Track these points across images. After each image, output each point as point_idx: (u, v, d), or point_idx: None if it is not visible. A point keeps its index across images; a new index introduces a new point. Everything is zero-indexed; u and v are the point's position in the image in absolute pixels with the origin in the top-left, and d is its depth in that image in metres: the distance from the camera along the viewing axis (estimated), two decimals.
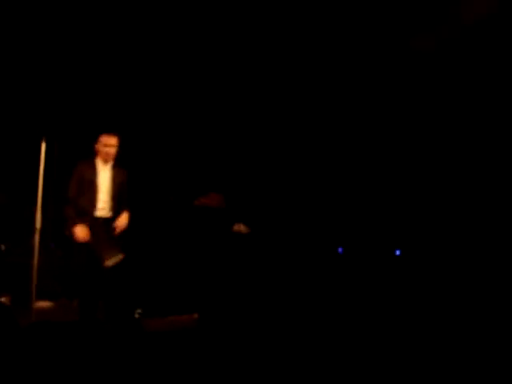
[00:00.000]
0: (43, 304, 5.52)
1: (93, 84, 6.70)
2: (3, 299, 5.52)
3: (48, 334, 4.34)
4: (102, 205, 5.11)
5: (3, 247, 6.05)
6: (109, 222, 5.08)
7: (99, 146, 5.15)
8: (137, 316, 4.95)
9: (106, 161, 5.17)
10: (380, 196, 6.96)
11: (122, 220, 5.16)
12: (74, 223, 4.91)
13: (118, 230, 5.08)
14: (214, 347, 4.38)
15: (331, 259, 6.65)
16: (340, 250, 6.83)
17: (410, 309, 5.48)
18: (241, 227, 6.43)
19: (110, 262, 4.91)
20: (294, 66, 6.88)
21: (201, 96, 7.02)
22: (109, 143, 5.14)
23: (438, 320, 5.15)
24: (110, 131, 5.20)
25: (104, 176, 5.17)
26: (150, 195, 6.67)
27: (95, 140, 5.18)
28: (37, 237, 4.95)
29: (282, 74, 6.97)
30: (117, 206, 5.16)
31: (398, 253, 6.81)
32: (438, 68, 6.49)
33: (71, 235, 4.95)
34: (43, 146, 4.99)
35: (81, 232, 4.89)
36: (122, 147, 6.13)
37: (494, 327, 4.88)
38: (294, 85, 7.03)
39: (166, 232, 6.34)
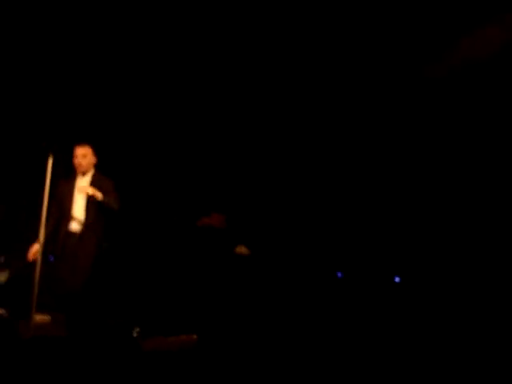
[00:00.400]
0: (41, 317, 5.49)
1: (99, 99, 6.73)
2: (1, 311, 5.49)
3: (47, 349, 4.33)
4: (77, 218, 5.13)
5: (3, 259, 6.04)
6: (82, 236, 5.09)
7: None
8: (135, 335, 4.93)
9: (80, 172, 5.21)
10: (380, 220, 6.97)
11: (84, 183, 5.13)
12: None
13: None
14: (213, 369, 4.37)
15: (330, 283, 6.64)
16: (339, 274, 6.83)
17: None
18: (242, 249, 6.43)
19: None
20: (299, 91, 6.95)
21: (205, 115, 7.05)
22: (76, 154, 5.20)
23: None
24: (83, 142, 5.26)
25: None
26: (152, 214, 6.68)
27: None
28: (39, 250, 4.94)
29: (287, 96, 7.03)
30: (96, 218, 5.14)
31: (397, 280, 6.80)
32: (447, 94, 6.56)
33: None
34: (50, 160, 4.99)
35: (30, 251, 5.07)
36: (123, 165, 6.16)
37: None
38: (299, 106, 7.08)
39: (168, 251, 6.34)
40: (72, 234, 5.14)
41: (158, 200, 6.84)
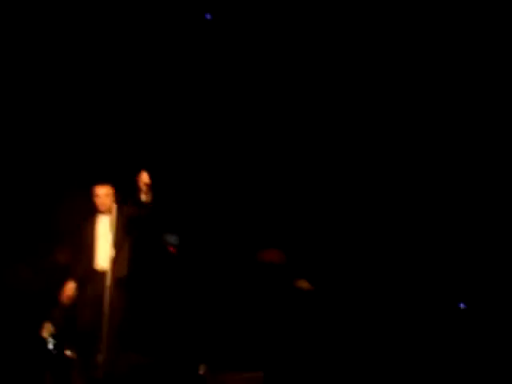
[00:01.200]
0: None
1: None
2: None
3: None
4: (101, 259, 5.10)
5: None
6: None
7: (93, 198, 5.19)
8: (202, 372, 4.97)
9: (102, 212, 5.16)
10: None
11: None
12: None
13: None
14: None
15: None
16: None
17: None
18: (304, 284, 6.42)
19: None
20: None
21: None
22: (99, 193, 5.16)
23: None
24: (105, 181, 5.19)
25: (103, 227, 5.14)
26: (213, 251, 6.75)
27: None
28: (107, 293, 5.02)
29: None
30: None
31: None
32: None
33: None
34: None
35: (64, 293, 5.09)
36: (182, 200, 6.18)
37: None
38: None
39: (229, 288, 6.39)
40: (98, 275, 5.10)
41: (216, 237, 6.92)
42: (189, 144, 6.93)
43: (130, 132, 6.73)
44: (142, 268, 5.44)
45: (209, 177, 6.99)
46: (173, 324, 5.99)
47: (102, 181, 5.24)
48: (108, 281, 4.98)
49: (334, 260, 6.84)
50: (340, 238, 6.94)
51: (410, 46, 6.76)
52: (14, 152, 6.50)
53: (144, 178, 4.95)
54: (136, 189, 4.97)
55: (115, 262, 5.04)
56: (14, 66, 6.46)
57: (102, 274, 5.02)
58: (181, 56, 6.83)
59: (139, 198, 5.00)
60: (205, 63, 6.87)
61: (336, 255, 6.89)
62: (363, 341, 5.82)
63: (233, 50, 6.91)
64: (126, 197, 5.12)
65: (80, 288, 5.14)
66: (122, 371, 4.94)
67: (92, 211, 5.23)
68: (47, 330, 5.20)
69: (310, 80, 7.00)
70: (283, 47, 6.88)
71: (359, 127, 7.04)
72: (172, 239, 6.58)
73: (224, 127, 7.02)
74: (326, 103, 7.06)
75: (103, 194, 5.17)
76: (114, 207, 5.08)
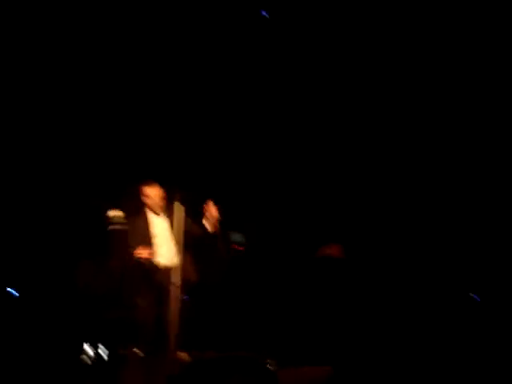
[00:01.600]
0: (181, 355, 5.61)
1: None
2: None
3: None
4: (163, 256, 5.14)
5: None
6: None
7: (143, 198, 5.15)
8: (272, 367, 5.01)
9: (156, 213, 5.16)
10: None
11: None
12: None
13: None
14: None
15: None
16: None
17: None
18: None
19: None
20: None
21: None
22: (149, 194, 5.14)
23: None
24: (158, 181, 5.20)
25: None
26: (274, 249, 6.81)
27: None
28: (175, 291, 5.13)
29: None
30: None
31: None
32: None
33: None
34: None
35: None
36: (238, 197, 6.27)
37: None
38: None
39: (291, 284, 6.44)
40: (158, 271, 5.16)
41: (276, 235, 6.98)
42: (249, 142, 7.02)
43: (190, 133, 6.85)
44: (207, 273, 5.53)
45: (271, 174, 7.06)
46: (241, 321, 6.08)
47: (152, 180, 5.23)
48: (174, 279, 5.16)
49: (393, 252, 6.82)
50: (399, 232, 6.92)
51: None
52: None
53: (212, 210, 5.02)
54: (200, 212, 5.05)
55: (182, 268, 5.18)
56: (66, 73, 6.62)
57: (163, 271, 5.14)
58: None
59: (202, 223, 5.10)
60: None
61: (395, 248, 6.88)
62: (430, 335, 5.79)
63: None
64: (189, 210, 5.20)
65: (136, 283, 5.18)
66: (194, 368, 5.06)
67: (138, 209, 5.23)
68: (114, 213, 5.14)
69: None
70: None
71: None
72: (238, 237, 6.68)
73: (284, 130, 7.08)
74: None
75: (154, 194, 5.16)
76: (179, 208, 5.18)
